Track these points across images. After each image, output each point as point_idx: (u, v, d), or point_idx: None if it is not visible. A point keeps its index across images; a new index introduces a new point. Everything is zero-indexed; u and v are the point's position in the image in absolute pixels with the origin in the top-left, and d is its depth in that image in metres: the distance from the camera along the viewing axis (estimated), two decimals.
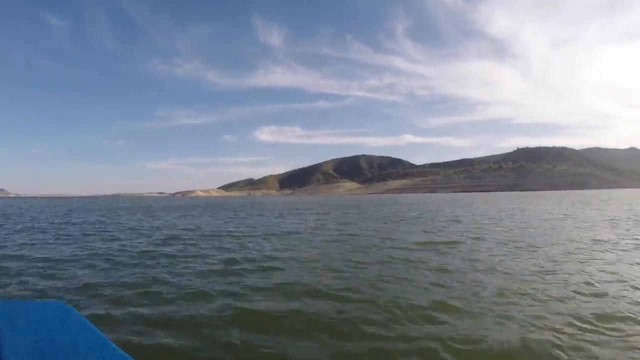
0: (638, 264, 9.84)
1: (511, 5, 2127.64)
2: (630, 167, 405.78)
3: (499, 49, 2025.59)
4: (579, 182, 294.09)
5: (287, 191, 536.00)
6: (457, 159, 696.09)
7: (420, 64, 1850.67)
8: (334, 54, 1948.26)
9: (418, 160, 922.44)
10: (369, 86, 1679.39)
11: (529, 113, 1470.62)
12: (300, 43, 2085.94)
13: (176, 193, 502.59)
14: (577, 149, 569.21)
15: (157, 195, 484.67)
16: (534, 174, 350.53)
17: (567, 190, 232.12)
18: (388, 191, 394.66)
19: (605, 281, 7.97)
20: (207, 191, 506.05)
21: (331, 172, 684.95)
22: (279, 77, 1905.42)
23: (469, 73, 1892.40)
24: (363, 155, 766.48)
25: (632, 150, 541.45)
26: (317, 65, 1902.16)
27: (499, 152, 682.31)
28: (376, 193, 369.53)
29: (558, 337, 5.03)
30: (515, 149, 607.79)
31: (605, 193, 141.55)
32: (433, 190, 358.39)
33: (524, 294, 6.88)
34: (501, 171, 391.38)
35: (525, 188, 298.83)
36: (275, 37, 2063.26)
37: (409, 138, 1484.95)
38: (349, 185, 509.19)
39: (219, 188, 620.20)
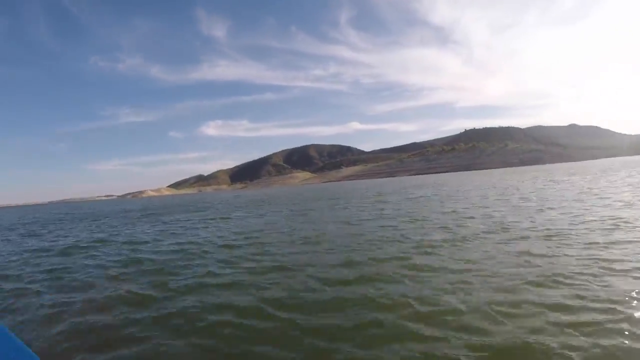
0: None
1: None
2: (572, 143, 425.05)
3: (441, 36, 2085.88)
4: (533, 159, 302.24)
5: (239, 185, 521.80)
6: (404, 143, 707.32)
7: (365, 53, 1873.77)
8: (278, 45, 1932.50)
9: (367, 146, 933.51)
10: (315, 76, 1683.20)
11: (472, 96, 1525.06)
12: (245, 35, 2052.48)
13: (126, 194, 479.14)
14: (522, 127, 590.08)
15: (105, 198, 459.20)
16: (488, 153, 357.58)
17: (524, 167, 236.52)
18: (344, 178, 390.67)
19: None
20: (158, 190, 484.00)
21: (281, 163, 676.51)
22: (224, 70, 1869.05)
23: (412, 60, 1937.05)
24: (312, 144, 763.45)
25: (573, 126, 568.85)
26: (262, 57, 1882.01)
27: (445, 135, 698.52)
28: (332, 181, 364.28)
29: None
30: (463, 130, 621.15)
31: (570, 165, 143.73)
32: (391, 175, 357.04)
33: None
34: (455, 152, 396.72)
35: (481, 167, 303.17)
36: (219, 30, 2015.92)
37: (356, 125, 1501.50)
38: (302, 175, 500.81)
39: (169, 186, 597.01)
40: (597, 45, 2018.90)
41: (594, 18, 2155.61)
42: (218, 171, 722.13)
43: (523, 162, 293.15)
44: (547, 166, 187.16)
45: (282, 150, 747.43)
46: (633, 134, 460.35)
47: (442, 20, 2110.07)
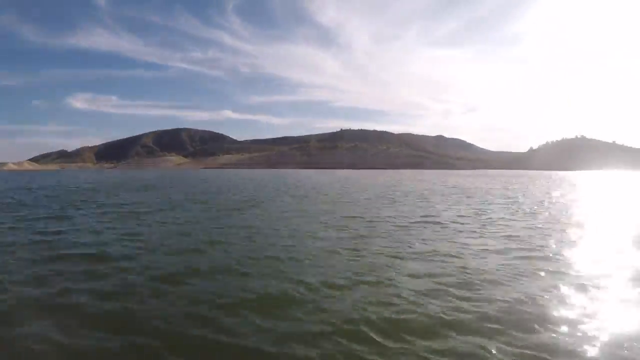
0: None
1: None
2: (439, 152, 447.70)
3: (326, 37, 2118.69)
4: (415, 163, 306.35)
5: (107, 165, 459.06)
6: (276, 136, 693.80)
7: (247, 42, 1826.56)
8: (160, 21, 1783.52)
9: (238, 136, 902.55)
10: (193, 58, 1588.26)
11: (348, 98, 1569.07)
12: (128, 6, 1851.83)
13: None
14: (395, 132, 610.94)
15: None
16: (371, 154, 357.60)
17: (407, 170, 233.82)
18: (223, 166, 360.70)
19: None
20: (19, 164, 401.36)
21: (151, 145, 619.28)
22: (100, 39, 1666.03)
23: (294, 56, 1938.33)
24: (184, 128, 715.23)
25: (440, 137, 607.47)
26: (142, 32, 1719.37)
27: (317, 132, 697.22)
28: (210, 168, 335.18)
29: None
30: (339, 129, 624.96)
31: (484, 172, 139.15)
32: (272, 166, 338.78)
33: None
34: (337, 150, 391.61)
35: (365, 166, 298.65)
36: None
37: (229, 114, 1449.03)
38: (177, 159, 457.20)
39: (30, 160, 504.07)
40: (469, 71, 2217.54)
41: (468, 48, 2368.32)
42: (83, 148, 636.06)
43: (405, 166, 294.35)
44: (443, 171, 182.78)
45: (152, 132, 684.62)
46: (493, 150, 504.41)
47: (329, 21, 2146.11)
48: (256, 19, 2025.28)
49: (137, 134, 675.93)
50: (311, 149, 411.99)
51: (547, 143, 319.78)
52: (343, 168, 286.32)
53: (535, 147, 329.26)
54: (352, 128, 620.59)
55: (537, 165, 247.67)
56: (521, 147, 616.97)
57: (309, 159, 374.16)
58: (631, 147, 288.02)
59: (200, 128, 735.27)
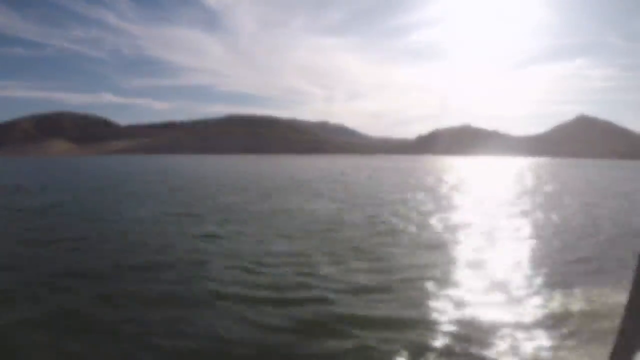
0: None
1: None
2: (325, 136, 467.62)
3: (212, 20, 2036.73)
4: (319, 148, 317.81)
5: None
6: (156, 121, 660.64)
7: (131, 22, 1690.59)
8: None
9: (119, 119, 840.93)
10: (74, 37, 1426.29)
11: (233, 82, 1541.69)
12: None
13: None
14: (282, 118, 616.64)
15: None
16: (270, 139, 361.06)
17: (307, 155, 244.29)
18: (115, 152, 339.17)
19: None
20: None
21: (32, 130, 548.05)
22: None
23: (178, 39, 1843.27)
24: (65, 112, 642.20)
25: (324, 122, 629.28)
26: (20, 5, 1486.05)
27: (200, 117, 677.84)
28: (101, 154, 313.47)
29: None
30: (228, 115, 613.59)
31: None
32: (170, 152, 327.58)
33: None
34: (235, 135, 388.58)
35: (265, 152, 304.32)
36: None
37: (110, 97, 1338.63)
38: (64, 145, 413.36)
39: None
40: (352, 59, 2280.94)
41: (353, 37, 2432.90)
42: None
43: (307, 151, 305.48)
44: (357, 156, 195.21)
45: (31, 116, 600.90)
46: (376, 136, 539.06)
47: (216, 4, 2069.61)
48: None
49: (13, 118, 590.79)
50: (209, 134, 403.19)
51: (435, 130, 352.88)
52: (244, 153, 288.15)
53: (424, 133, 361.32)
54: (239, 113, 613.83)
55: (426, 151, 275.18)
56: (403, 134, 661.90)
57: (207, 144, 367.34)
58: (511, 135, 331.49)
59: (79, 111, 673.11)
